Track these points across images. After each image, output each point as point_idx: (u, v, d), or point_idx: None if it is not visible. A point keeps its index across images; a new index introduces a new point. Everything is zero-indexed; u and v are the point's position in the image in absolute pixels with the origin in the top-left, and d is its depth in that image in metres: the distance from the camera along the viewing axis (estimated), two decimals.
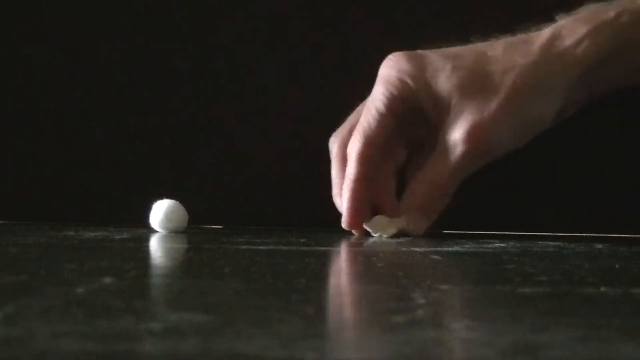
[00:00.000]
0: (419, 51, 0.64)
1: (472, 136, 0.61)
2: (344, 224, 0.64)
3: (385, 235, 0.63)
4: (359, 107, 0.67)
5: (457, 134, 0.61)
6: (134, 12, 0.74)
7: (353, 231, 0.65)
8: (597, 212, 0.72)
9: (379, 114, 0.63)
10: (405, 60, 0.63)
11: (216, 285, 0.42)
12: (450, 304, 0.38)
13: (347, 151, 0.64)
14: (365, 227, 0.64)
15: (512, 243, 0.62)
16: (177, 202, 0.67)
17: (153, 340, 0.29)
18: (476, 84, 0.62)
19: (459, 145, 0.61)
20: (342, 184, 0.64)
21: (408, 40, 0.70)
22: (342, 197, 0.64)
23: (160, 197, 0.67)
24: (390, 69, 0.63)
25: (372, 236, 0.64)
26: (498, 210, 0.73)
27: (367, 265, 0.53)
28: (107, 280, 0.42)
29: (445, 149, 0.62)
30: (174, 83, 0.74)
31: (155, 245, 0.61)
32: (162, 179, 0.74)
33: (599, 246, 0.61)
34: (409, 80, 0.63)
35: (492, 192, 0.72)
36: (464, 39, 0.65)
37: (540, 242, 0.62)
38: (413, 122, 0.65)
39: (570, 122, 0.68)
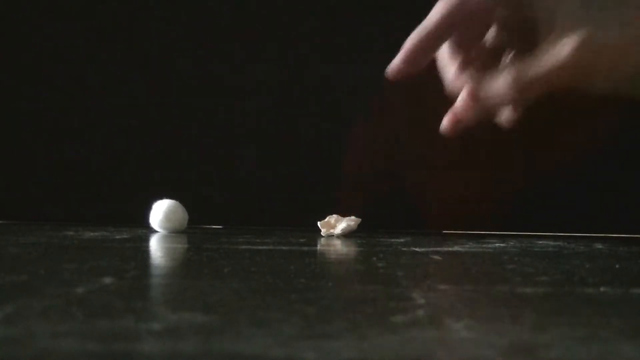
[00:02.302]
0: None
1: (582, 50, 0.53)
2: (396, 61, 0.58)
3: (336, 233, 0.66)
4: None
5: (568, 44, 0.54)
6: (135, 12, 0.74)
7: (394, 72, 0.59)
8: (597, 212, 0.72)
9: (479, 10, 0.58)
10: None
11: (216, 285, 0.42)
12: (450, 304, 0.38)
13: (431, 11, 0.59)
14: (319, 225, 0.67)
15: (512, 243, 0.62)
16: (177, 202, 0.67)
17: (153, 340, 0.29)
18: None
19: (566, 47, 0.54)
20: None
21: None
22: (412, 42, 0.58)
23: (160, 197, 0.67)
24: None
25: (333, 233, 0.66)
26: (498, 210, 0.73)
27: (367, 265, 0.53)
28: (107, 280, 0.42)
29: (549, 50, 0.54)
30: (174, 83, 0.74)
31: (155, 245, 0.61)
32: (162, 179, 0.74)
33: (599, 246, 0.60)
34: None
35: (492, 193, 0.72)
36: None
37: (540, 242, 0.62)
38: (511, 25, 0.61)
39: (570, 122, 0.68)
